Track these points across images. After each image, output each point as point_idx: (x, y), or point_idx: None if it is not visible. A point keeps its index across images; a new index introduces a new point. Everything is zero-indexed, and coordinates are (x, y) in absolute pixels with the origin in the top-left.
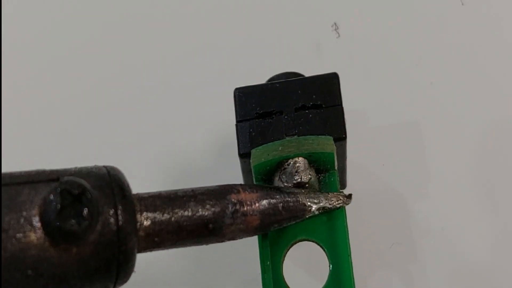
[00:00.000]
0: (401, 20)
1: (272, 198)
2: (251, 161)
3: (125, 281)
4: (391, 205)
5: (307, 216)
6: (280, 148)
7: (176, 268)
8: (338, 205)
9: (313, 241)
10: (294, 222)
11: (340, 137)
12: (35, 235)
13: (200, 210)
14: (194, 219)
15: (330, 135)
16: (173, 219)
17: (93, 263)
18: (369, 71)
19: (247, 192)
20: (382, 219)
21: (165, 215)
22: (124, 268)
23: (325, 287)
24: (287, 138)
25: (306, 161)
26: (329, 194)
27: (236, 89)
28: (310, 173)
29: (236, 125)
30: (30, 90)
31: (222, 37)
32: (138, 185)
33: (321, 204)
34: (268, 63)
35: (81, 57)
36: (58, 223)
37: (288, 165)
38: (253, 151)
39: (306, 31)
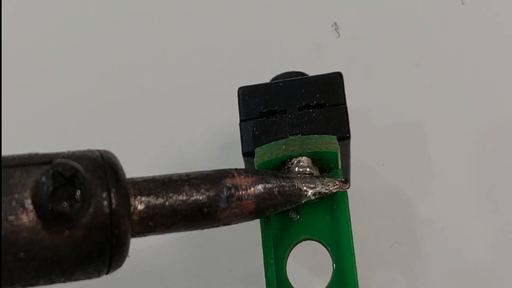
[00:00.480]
0: (401, 20)
1: (268, 183)
2: (254, 160)
3: (119, 266)
4: (392, 205)
5: (303, 201)
6: (283, 147)
7: (178, 266)
8: (334, 190)
9: (316, 241)
10: (290, 207)
11: (344, 136)
12: (27, 218)
13: (194, 194)
14: (189, 203)
15: (334, 134)
16: (167, 203)
17: (86, 246)
18: (369, 71)
19: (242, 177)
20: (382, 219)
21: (159, 199)
22: (118, 251)
23: (328, 286)
24: (291, 137)
25: (309, 160)
26: (325, 179)
27: (240, 88)
28: (313, 172)
29: (240, 124)
30: (30, 90)
31: (222, 37)
32: None
33: (317, 188)
34: (268, 63)
35: (82, 56)
36: (50, 205)
37: (291, 164)
38: (256, 150)
39: (306, 31)
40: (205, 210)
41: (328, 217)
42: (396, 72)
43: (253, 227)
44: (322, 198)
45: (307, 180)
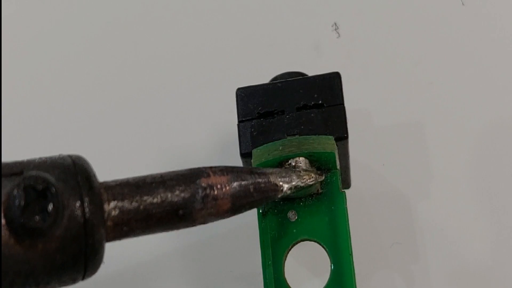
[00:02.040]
0: (401, 20)
1: (243, 180)
2: (252, 161)
3: (94, 273)
4: (391, 205)
5: (279, 196)
6: (280, 148)
7: (178, 266)
8: (310, 183)
9: (314, 241)
10: (266, 203)
11: (342, 136)
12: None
13: (169, 196)
14: (164, 206)
15: (331, 135)
16: (141, 207)
17: (60, 258)
18: (369, 71)
19: (218, 175)
20: (382, 219)
21: (133, 203)
22: (92, 260)
23: (326, 287)
24: (288, 138)
25: (307, 160)
26: (301, 172)
27: (238, 89)
28: (313, 172)
29: (238, 125)
30: (32, 90)
31: (222, 37)
32: None
33: (293, 183)
34: (268, 63)
35: (81, 56)
36: (22, 220)
37: (289, 165)
38: (254, 151)
39: (306, 31)
40: (181, 212)
41: (326, 218)
42: (396, 72)
43: (254, 227)
44: (320, 197)
45: (282, 175)
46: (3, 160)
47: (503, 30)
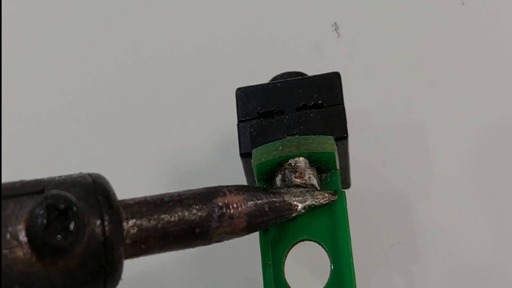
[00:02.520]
0: (401, 20)
1: (258, 199)
2: (252, 161)
3: None
4: (392, 205)
5: (293, 215)
6: (280, 148)
7: (179, 267)
8: (324, 202)
9: (314, 241)
10: (280, 221)
11: (342, 136)
12: (22, 251)
13: (186, 215)
14: (181, 225)
15: (331, 135)
16: (159, 225)
17: (80, 275)
18: (369, 71)
19: (233, 194)
20: (383, 219)
21: (152, 221)
22: (111, 277)
23: (326, 287)
24: (288, 138)
25: (306, 160)
26: (314, 192)
27: (238, 89)
28: (310, 172)
29: (238, 125)
30: (31, 90)
31: (222, 37)
32: (141, 185)
33: (307, 202)
34: (268, 63)
35: (81, 57)
36: (44, 239)
37: (288, 165)
38: (253, 151)
39: (306, 31)
40: (197, 230)
41: (326, 218)
42: (396, 72)
43: None
44: None
45: (297, 194)
46: (40, 169)
47: (503, 30)
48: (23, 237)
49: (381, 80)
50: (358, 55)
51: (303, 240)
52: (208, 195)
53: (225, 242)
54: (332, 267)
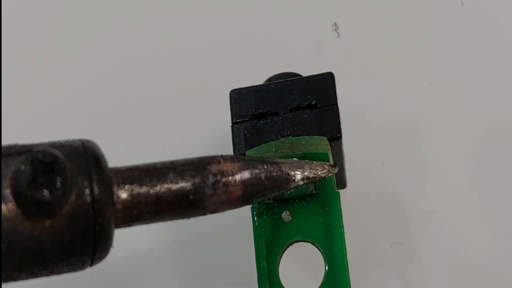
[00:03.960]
0: (401, 20)
1: (255, 168)
2: None
3: (103, 257)
4: (392, 205)
5: (292, 186)
6: (273, 149)
7: (177, 267)
8: (322, 174)
9: (309, 242)
10: (278, 193)
11: (335, 136)
12: (6, 207)
13: (179, 181)
14: (174, 191)
15: (325, 135)
16: (151, 191)
17: (68, 235)
18: (369, 71)
19: (228, 163)
20: (382, 219)
21: (144, 187)
22: (101, 241)
23: (320, 287)
24: (281, 139)
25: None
26: (313, 163)
27: (232, 90)
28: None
29: (232, 127)
30: (31, 90)
31: (222, 37)
32: None
33: (305, 173)
34: (268, 63)
35: (75, 57)
36: (30, 193)
37: None
38: (247, 152)
39: (306, 31)
40: (191, 197)
41: (321, 219)
42: (396, 72)
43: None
44: (314, 198)
45: (295, 165)
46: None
47: (503, 30)
48: (8, 194)
49: (381, 80)
50: (358, 55)
51: (297, 241)
52: (202, 163)
53: (224, 241)
54: (326, 268)
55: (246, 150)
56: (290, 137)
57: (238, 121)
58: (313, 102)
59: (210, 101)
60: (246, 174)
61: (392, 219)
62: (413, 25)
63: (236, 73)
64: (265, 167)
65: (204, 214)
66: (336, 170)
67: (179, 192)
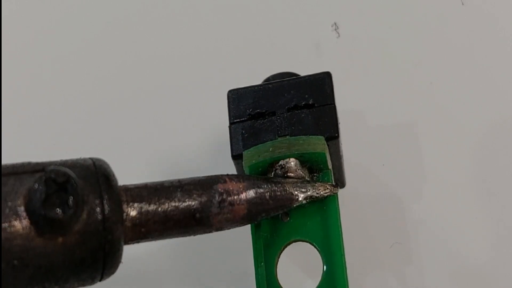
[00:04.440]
0: (401, 20)
1: (259, 188)
2: (243, 162)
3: (113, 272)
4: (391, 205)
5: (294, 205)
6: (271, 149)
7: (177, 267)
8: (325, 194)
9: (307, 242)
10: (281, 211)
11: (333, 136)
12: (21, 225)
13: (187, 200)
14: (181, 209)
15: (322, 135)
16: (159, 209)
17: (79, 252)
18: (369, 71)
19: (234, 182)
20: (382, 219)
21: (152, 205)
22: (111, 258)
23: (318, 287)
24: (279, 139)
25: (297, 161)
26: (316, 183)
27: (230, 91)
28: (302, 173)
29: (229, 127)
30: (30, 90)
31: (222, 37)
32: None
33: (308, 193)
34: (267, 63)
35: (75, 59)
36: (43, 212)
37: (279, 166)
38: (244, 152)
39: (306, 31)
40: (198, 215)
41: (319, 218)
42: (396, 72)
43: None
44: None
45: (298, 185)
46: (27, 152)
47: (503, 30)
48: (22, 211)
49: (381, 80)
50: (358, 55)
51: (295, 241)
52: (208, 182)
53: (223, 242)
54: (324, 268)
55: (243, 150)
56: (287, 136)
57: (236, 121)
58: (311, 102)
59: (210, 101)
60: (251, 193)
61: (392, 219)
62: (413, 25)
63: (236, 73)
64: (269, 186)
65: (210, 231)
66: (340, 187)
67: (186, 210)
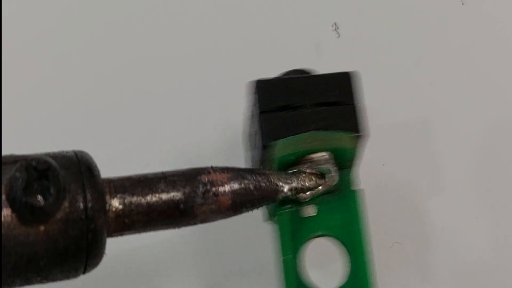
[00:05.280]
0: (401, 20)
1: (244, 179)
2: (275, 152)
3: (96, 264)
4: (391, 205)
5: (280, 197)
6: (308, 141)
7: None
8: (310, 186)
9: (332, 237)
10: (267, 203)
11: (362, 134)
12: (2, 213)
13: (170, 191)
14: (165, 200)
15: (352, 132)
16: (143, 200)
17: (62, 241)
18: (369, 71)
19: (218, 173)
20: (382, 219)
21: (135, 196)
22: (94, 247)
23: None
24: (314, 132)
25: (332, 155)
26: (301, 174)
27: (258, 80)
28: (332, 167)
29: (259, 116)
30: (32, 90)
31: (222, 37)
32: None
33: (293, 184)
34: (268, 63)
35: (85, 55)
36: (24, 199)
37: (311, 158)
38: (279, 142)
39: (306, 31)
40: (182, 206)
41: (343, 215)
42: (396, 72)
43: (264, 224)
44: (337, 194)
45: (283, 176)
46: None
47: (503, 30)
48: (3, 200)
49: (381, 80)
50: (358, 55)
51: (321, 236)
52: (192, 173)
53: (234, 237)
54: (349, 263)
55: (275, 140)
56: (321, 130)
57: (265, 111)
58: (339, 100)
59: (210, 101)
60: (235, 184)
61: (392, 219)
62: (413, 25)
63: (236, 72)
64: (254, 177)
65: (195, 223)
66: (326, 182)
67: (169, 201)
